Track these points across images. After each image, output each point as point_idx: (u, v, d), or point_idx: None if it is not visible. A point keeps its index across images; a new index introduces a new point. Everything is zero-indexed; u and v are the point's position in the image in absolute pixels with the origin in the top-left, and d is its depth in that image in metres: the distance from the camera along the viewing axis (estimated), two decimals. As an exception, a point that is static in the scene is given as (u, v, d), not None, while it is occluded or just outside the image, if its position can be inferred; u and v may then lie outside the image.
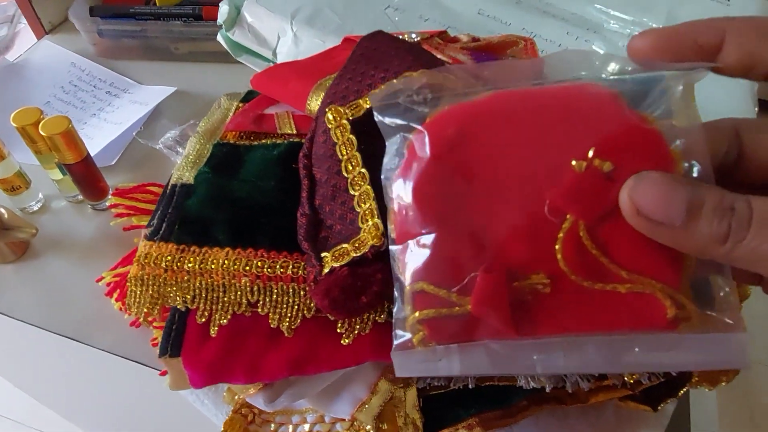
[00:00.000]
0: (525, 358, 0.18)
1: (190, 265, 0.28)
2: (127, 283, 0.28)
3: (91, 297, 0.43)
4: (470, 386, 0.28)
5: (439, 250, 0.18)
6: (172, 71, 0.61)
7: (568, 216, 0.18)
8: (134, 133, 0.51)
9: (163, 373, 0.41)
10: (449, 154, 0.18)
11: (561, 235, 0.17)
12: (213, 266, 0.28)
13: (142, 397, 0.51)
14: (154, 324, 0.42)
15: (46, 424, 1.22)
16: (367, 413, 0.28)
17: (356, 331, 0.26)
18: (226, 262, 0.28)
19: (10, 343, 0.53)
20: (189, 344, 0.27)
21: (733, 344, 0.17)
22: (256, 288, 0.27)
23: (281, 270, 0.27)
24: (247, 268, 0.28)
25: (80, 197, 0.48)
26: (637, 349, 0.17)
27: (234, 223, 0.29)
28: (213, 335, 0.26)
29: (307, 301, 0.26)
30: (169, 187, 0.33)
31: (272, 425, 0.31)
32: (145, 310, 0.27)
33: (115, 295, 0.42)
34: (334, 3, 0.50)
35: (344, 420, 0.30)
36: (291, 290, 0.27)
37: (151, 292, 0.28)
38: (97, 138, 0.53)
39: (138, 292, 0.28)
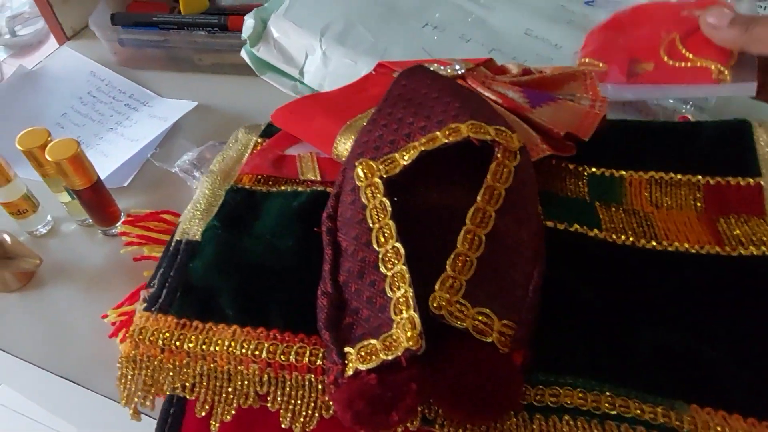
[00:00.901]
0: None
1: (190, 345, 0.24)
2: (118, 365, 0.25)
3: (96, 334, 0.40)
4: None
5: None
6: (195, 83, 0.57)
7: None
8: (149, 155, 0.48)
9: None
10: None
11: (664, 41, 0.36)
12: (217, 348, 0.24)
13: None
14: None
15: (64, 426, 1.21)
16: None
17: None
18: (232, 343, 0.24)
19: (13, 373, 0.51)
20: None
21: (748, 87, 0.33)
22: (266, 378, 0.23)
23: (296, 357, 0.23)
24: (257, 352, 0.24)
25: (90, 221, 0.45)
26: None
27: (243, 294, 0.25)
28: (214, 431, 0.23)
29: (326, 398, 0.22)
30: (173, 243, 0.29)
31: None
32: (136, 400, 0.24)
33: (120, 336, 0.38)
34: (367, 20, 0.46)
35: None
36: (307, 383, 0.23)
37: (144, 376, 0.24)
38: (113, 155, 0.50)
39: (129, 376, 0.24)
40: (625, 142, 0.32)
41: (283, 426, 0.22)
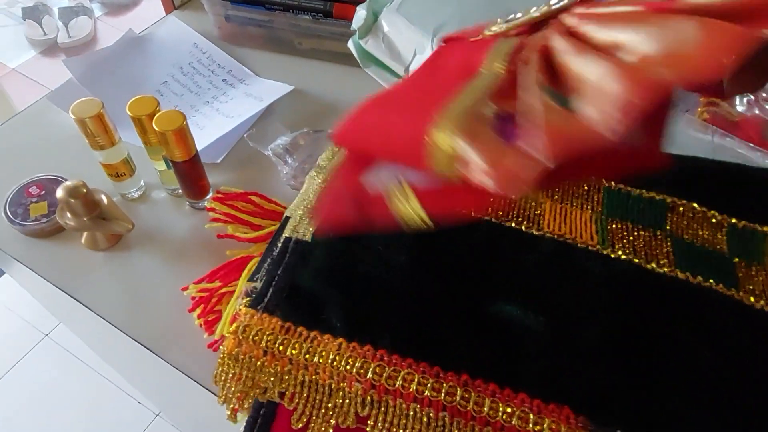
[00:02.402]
0: None
1: (294, 351, 0.23)
2: (219, 360, 0.24)
3: (173, 305, 0.40)
4: None
5: None
6: (292, 66, 0.57)
7: None
8: (245, 135, 0.48)
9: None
10: None
11: None
12: (321, 360, 0.23)
13: (195, 406, 0.48)
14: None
15: (113, 373, 1.27)
16: None
17: None
18: (337, 357, 0.23)
19: (86, 323, 0.53)
20: (278, 439, 0.22)
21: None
22: (369, 399, 0.22)
23: (403, 384, 0.22)
24: (362, 371, 0.22)
25: (180, 191, 0.46)
26: None
27: (352, 307, 0.24)
28: None
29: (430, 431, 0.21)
30: (281, 241, 0.29)
31: None
32: (234, 401, 0.23)
33: (198, 311, 0.39)
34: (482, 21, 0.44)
35: None
36: (412, 413, 0.21)
37: (244, 377, 0.23)
38: (208, 128, 0.50)
39: (230, 374, 0.24)
40: None
41: None
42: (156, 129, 0.38)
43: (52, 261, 0.42)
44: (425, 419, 0.21)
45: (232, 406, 0.23)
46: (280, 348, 0.23)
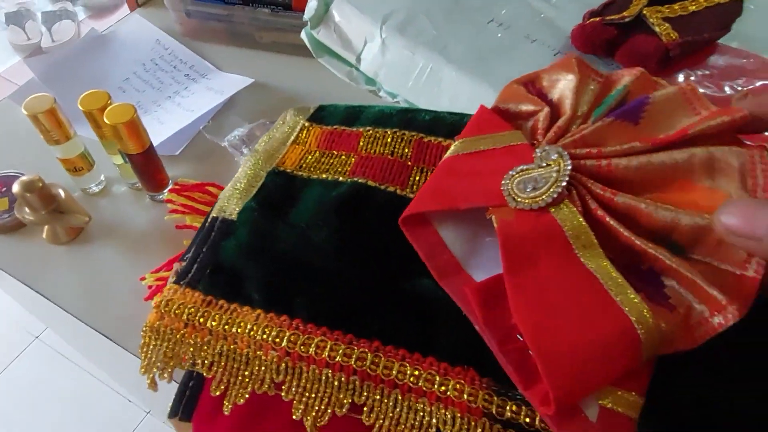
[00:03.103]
0: None
1: (213, 323, 0.24)
2: (141, 333, 0.25)
3: (133, 295, 0.41)
4: None
5: None
6: (253, 59, 0.58)
7: None
8: (201, 127, 0.48)
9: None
10: None
11: None
12: (239, 330, 0.24)
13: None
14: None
15: (101, 373, 1.28)
16: None
17: None
18: (254, 327, 0.24)
19: (55, 316, 0.53)
20: (202, 411, 0.23)
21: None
22: (283, 366, 0.23)
23: (316, 351, 0.23)
24: (278, 340, 0.23)
25: (140, 185, 0.47)
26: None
27: (271, 282, 0.25)
28: (226, 413, 0.23)
29: (341, 396, 0.22)
30: (209, 219, 0.30)
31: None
32: (155, 370, 0.24)
33: (155, 300, 0.40)
34: (432, 11, 0.45)
35: None
36: (324, 377, 0.23)
37: (165, 348, 0.24)
38: (168, 123, 0.51)
39: (152, 346, 0.25)
40: None
41: (294, 417, 0.22)
42: (107, 122, 0.39)
43: (14, 256, 0.43)
44: (336, 383, 0.22)
45: (152, 375, 0.24)
46: (201, 320, 0.24)
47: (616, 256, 0.20)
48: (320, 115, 0.36)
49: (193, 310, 0.25)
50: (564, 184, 0.21)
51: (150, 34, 0.60)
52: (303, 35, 0.49)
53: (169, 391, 0.74)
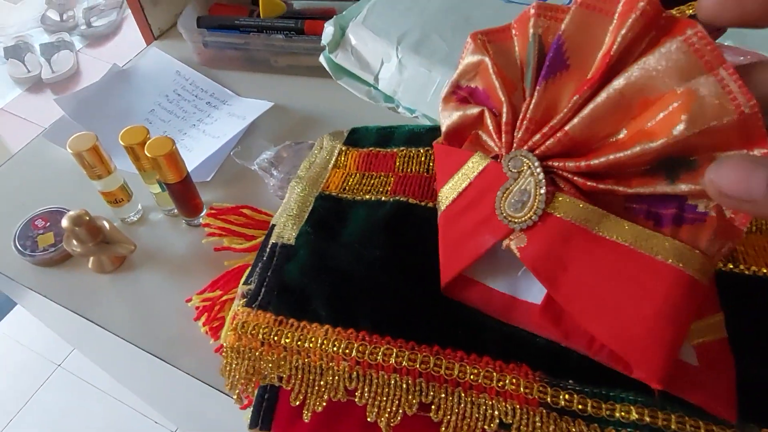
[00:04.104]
0: None
1: (287, 340, 0.26)
2: (222, 354, 0.27)
3: (180, 315, 0.43)
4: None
5: None
6: (271, 84, 0.61)
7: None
8: (231, 153, 0.51)
9: (244, 407, 0.41)
10: None
11: None
12: (311, 345, 0.26)
13: (211, 414, 0.51)
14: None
15: (127, 396, 1.30)
16: None
17: None
18: (325, 341, 0.26)
19: (91, 338, 0.56)
20: (280, 420, 0.25)
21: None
22: (355, 375, 0.25)
23: (383, 358, 0.25)
24: (347, 351, 0.26)
25: (176, 211, 0.49)
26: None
27: (335, 298, 0.28)
28: (306, 420, 0.25)
29: (410, 397, 0.24)
30: (269, 246, 0.32)
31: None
32: (240, 386, 0.26)
33: (203, 319, 0.42)
34: (442, 29, 0.47)
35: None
36: (393, 382, 0.25)
37: (246, 366, 0.26)
38: (196, 150, 0.54)
39: (234, 365, 0.27)
40: None
41: (368, 420, 0.24)
42: (148, 155, 0.41)
43: (62, 287, 0.46)
44: (404, 386, 0.24)
45: (237, 391, 0.26)
46: (275, 338, 0.26)
47: (629, 212, 0.20)
48: (354, 138, 0.39)
49: (267, 329, 0.27)
50: (543, 184, 0.21)
51: (169, 65, 0.62)
52: (322, 59, 0.51)
53: (194, 408, 0.76)
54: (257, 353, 0.26)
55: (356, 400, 0.24)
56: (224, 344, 0.27)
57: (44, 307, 0.59)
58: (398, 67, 0.47)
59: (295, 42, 0.58)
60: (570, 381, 0.23)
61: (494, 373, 0.24)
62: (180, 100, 0.59)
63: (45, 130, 0.55)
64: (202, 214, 0.48)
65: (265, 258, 0.31)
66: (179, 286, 0.45)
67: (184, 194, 0.46)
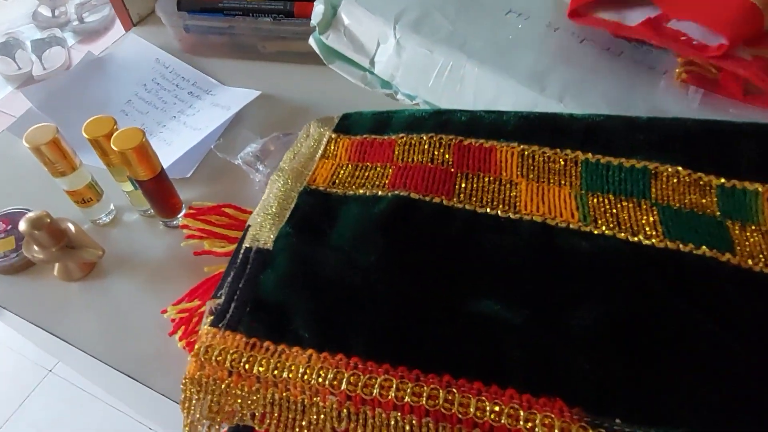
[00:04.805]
0: None
1: (261, 369, 0.21)
2: (181, 386, 0.22)
3: (156, 329, 0.39)
4: None
5: None
6: (258, 71, 0.56)
7: None
8: (212, 146, 0.46)
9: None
10: None
11: None
12: (290, 375, 0.21)
13: None
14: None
15: (119, 402, 1.25)
16: None
17: None
18: (308, 371, 0.21)
19: (71, 354, 0.51)
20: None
21: None
22: (345, 413, 0.20)
23: (381, 392, 0.20)
24: (335, 382, 0.20)
25: (152, 211, 0.44)
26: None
27: (321, 315, 0.23)
28: None
29: None
30: (242, 251, 0.27)
31: None
32: (200, 429, 0.21)
33: (179, 333, 0.37)
34: (445, 6, 0.43)
35: None
36: (393, 422, 0.20)
37: (210, 402, 0.22)
38: (176, 143, 0.49)
39: (194, 400, 0.22)
40: (758, 149, 0.27)
41: None
42: (115, 149, 0.36)
43: (24, 297, 0.41)
44: (407, 427, 0.19)
45: (198, 429, 0.22)
46: (246, 366, 0.22)
47: None
48: (346, 125, 0.34)
49: (236, 355, 0.22)
50: None
51: (148, 53, 0.58)
52: (311, 41, 0.46)
53: (174, 417, 0.71)
54: (223, 386, 0.22)
55: None
56: (185, 373, 0.22)
57: (13, 318, 0.54)
58: (396, 49, 0.42)
59: (284, 26, 0.53)
60: (617, 420, 0.19)
61: (521, 411, 0.19)
62: (159, 90, 0.54)
63: (10, 125, 0.50)
64: (180, 214, 0.43)
65: (237, 266, 0.26)
66: (155, 295, 0.40)
67: (159, 192, 0.41)
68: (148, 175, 0.38)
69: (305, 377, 0.21)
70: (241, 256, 0.26)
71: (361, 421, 0.20)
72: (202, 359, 0.22)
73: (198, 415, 0.21)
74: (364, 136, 0.32)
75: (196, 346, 0.23)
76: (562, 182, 0.27)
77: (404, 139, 0.30)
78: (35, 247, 0.38)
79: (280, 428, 0.20)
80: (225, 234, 0.40)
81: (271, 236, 0.27)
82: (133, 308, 0.40)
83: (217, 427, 0.21)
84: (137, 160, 0.37)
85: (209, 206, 0.41)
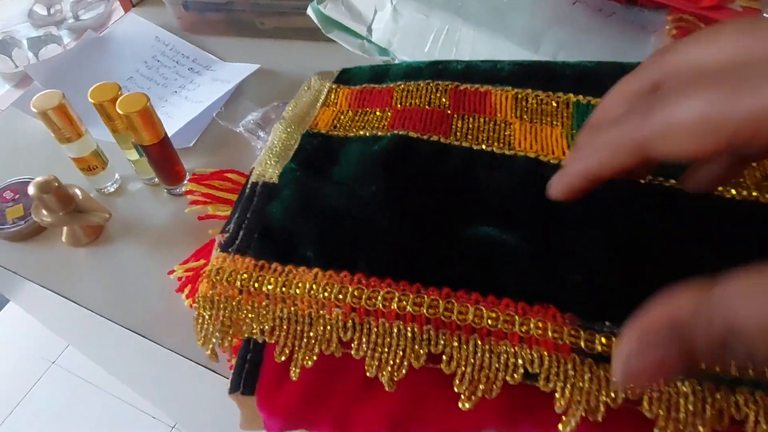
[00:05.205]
0: None
1: (270, 287, 0.22)
2: (195, 304, 0.23)
3: (162, 290, 0.40)
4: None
5: None
6: (257, 48, 0.57)
7: None
8: (214, 114, 0.47)
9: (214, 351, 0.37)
10: None
11: None
12: (298, 291, 0.22)
13: (207, 401, 0.48)
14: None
15: (123, 392, 1.26)
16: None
17: (479, 393, 0.19)
18: (314, 286, 0.22)
19: (80, 321, 0.52)
20: (265, 382, 0.22)
21: None
22: (350, 323, 0.21)
23: (384, 303, 0.21)
24: (341, 296, 0.22)
25: (156, 180, 0.45)
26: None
27: (326, 239, 0.24)
28: (294, 378, 0.21)
29: (416, 347, 0.21)
30: (248, 186, 0.28)
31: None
32: (214, 341, 0.22)
33: (186, 291, 0.38)
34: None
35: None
36: (395, 330, 0.21)
37: (222, 317, 0.23)
38: (177, 117, 0.50)
39: (206, 316, 0.23)
40: None
41: (368, 375, 0.20)
42: (120, 112, 0.37)
43: (34, 262, 0.42)
44: (409, 334, 0.20)
45: (211, 346, 0.22)
46: (255, 285, 0.22)
47: None
48: (345, 77, 0.35)
49: (246, 276, 0.23)
50: None
51: (148, 31, 0.58)
52: (310, 11, 0.47)
53: (194, 403, 0.73)
54: (234, 303, 0.23)
55: (353, 352, 0.21)
56: (197, 293, 0.23)
57: (35, 300, 0.55)
58: (393, 15, 0.43)
59: (283, 1, 0.54)
60: (606, 323, 0.20)
61: (516, 317, 0.20)
62: (160, 67, 0.55)
63: (15, 100, 0.51)
64: (184, 182, 0.44)
65: (243, 201, 0.27)
66: (161, 259, 0.41)
67: (163, 158, 0.42)
68: (152, 140, 0.39)
69: (312, 292, 0.22)
70: (247, 191, 0.27)
71: (365, 330, 0.21)
72: (214, 280, 0.23)
73: (211, 329, 0.22)
74: (363, 85, 0.33)
75: (207, 268, 0.24)
76: (554, 123, 0.28)
77: (402, 86, 0.31)
78: (44, 211, 0.39)
79: (289, 339, 0.21)
80: (228, 198, 0.41)
81: (276, 172, 0.28)
82: (139, 271, 0.41)
83: (229, 339, 0.22)
84: (142, 124, 0.38)
85: (212, 171, 0.42)
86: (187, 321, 0.38)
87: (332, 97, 0.33)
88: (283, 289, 0.22)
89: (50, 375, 1.34)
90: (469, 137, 0.28)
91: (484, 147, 0.27)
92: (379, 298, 0.21)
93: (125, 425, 1.24)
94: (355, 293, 0.21)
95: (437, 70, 0.32)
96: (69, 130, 0.39)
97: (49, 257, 0.42)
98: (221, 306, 0.22)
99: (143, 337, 0.38)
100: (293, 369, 0.21)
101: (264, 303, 0.22)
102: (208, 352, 0.22)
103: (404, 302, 0.21)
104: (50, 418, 1.27)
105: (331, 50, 0.49)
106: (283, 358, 0.21)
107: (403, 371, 0.20)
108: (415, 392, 0.20)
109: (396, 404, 0.20)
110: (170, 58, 0.56)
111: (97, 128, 0.43)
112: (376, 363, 0.20)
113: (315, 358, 0.21)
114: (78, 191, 0.41)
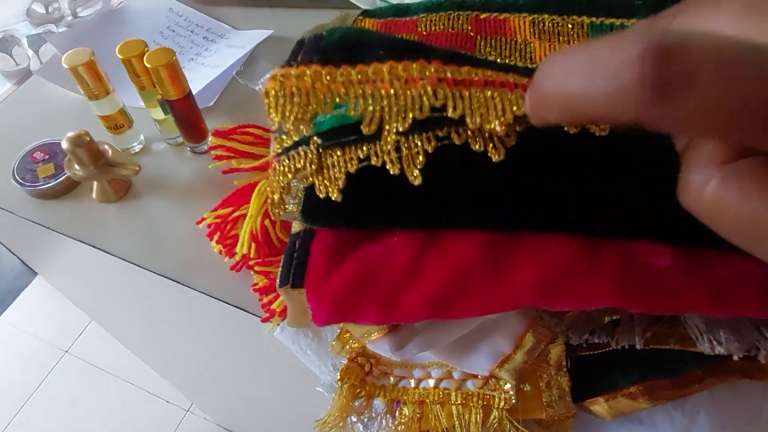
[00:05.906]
0: None
1: (342, 78, 0.20)
2: (264, 99, 0.19)
3: (191, 239, 0.41)
4: (637, 347, 0.23)
5: None
6: (270, 17, 0.58)
7: None
8: (234, 72, 0.49)
9: (265, 320, 0.39)
10: None
11: None
12: (376, 74, 0.20)
13: (239, 344, 0.50)
14: (256, 268, 0.40)
15: (137, 377, 1.28)
16: (509, 370, 0.24)
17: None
18: (392, 70, 0.20)
19: (108, 283, 0.54)
20: (314, 273, 0.23)
21: None
22: (441, 93, 0.19)
23: (470, 73, 0.20)
24: (425, 72, 0.19)
25: (180, 140, 0.47)
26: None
27: (393, 43, 0.22)
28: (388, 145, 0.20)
29: (517, 98, 0.18)
30: (295, 47, 0.25)
31: (391, 378, 0.27)
32: (294, 117, 0.19)
33: (216, 238, 0.40)
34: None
35: (477, 377, 0.26)
36: (488, 93, 0.19)
37: (298, 101, 0.20)
38: (195, 81, 0.51)
39: (281, 101, 0.20)
40: None
41: (471, 127, 0.19)
42: (147, 66, 0.39)
43: (66, 217, 0.44)
44: (509, 94, 0.19)
45: (293, 118, 0.20)
46: (328, 77, 0.20)
47: None
48: (368, 14, 0.36)
49: (316, 75, 0.20)
50: None
51: (161, 3, 0.60)
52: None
53: (209, 384, 0.73)
54: (309, 89, 0.20)
55: (448, 112, 0.19)
56: (264, 91, 0.21)
57: (64, 270, 0.57)
58: (404, -29, 0.44)
59: (292, -31, 0.56)
60: None
61: None
62: (175, 36, 0.57)
63: (39, 68, 0.53)
64: (207, 140, 0.46)
65: (292, 52, 0.24)
66: (188, 212, 0.43)
67: (188, 115, 0.43)
68: (178, 94, 0.41)
69: (393, 71, 0.20)
70: (295, 46, 0.25)
71: (458, 94, 0.19)
72: (280, 79, 0.20)
73: (289, 107, 0.20)
74: (387, 19, 0.34)
75: (272, 74, 0.21)
76: (571, 42, 0.30)
77: (425, 17, 0.33)
78: (76, 165, 0.41)
79: (376, 111, 0.20)
80: (251, 151, 0.43)
81: (323, 30, 0.26)
82: (167, 223, 0.43)
83: (309, 115, 0.20)
84: (169, 78, 0.40)
85: (234, 126, 0.43)
86: (215, 265, 0.40)
87: (358, 24, 0.34)
88: (359, 76, 0.20)
89: (64, 363, 1.35)
90: (494, 53, 0.29)
91: (507, 61, 0.29)
92: (464, 71, 0.20)
93: (140, 410, 1.26)
94: (437, 69, 0.20)
95: (457, 2, 0.33)
96: (98, 86, 0.41)
97: (81, 213, 0.44)
98: (297, 92, 0.20)
99: (174, 281, 0.40)
100: (386, 128, 0.19)
101: (342, 90, 0.20)
102: (289, 125, 0.20)
103: (492, 72, 0.20)
104: (66, 404, 1.29)
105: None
106: (374, 128, 0.19)
107: (511, 116, 0.19)
108: (458, 275, 0.22)
109: (438, 286, 0.22)
110: (185, 28, 0.58)
111: (121, 93, 0.44)
112: (479, 116, 0.19)
113: (407, 124, 0.19)
114: (107, 147, 0.42)
